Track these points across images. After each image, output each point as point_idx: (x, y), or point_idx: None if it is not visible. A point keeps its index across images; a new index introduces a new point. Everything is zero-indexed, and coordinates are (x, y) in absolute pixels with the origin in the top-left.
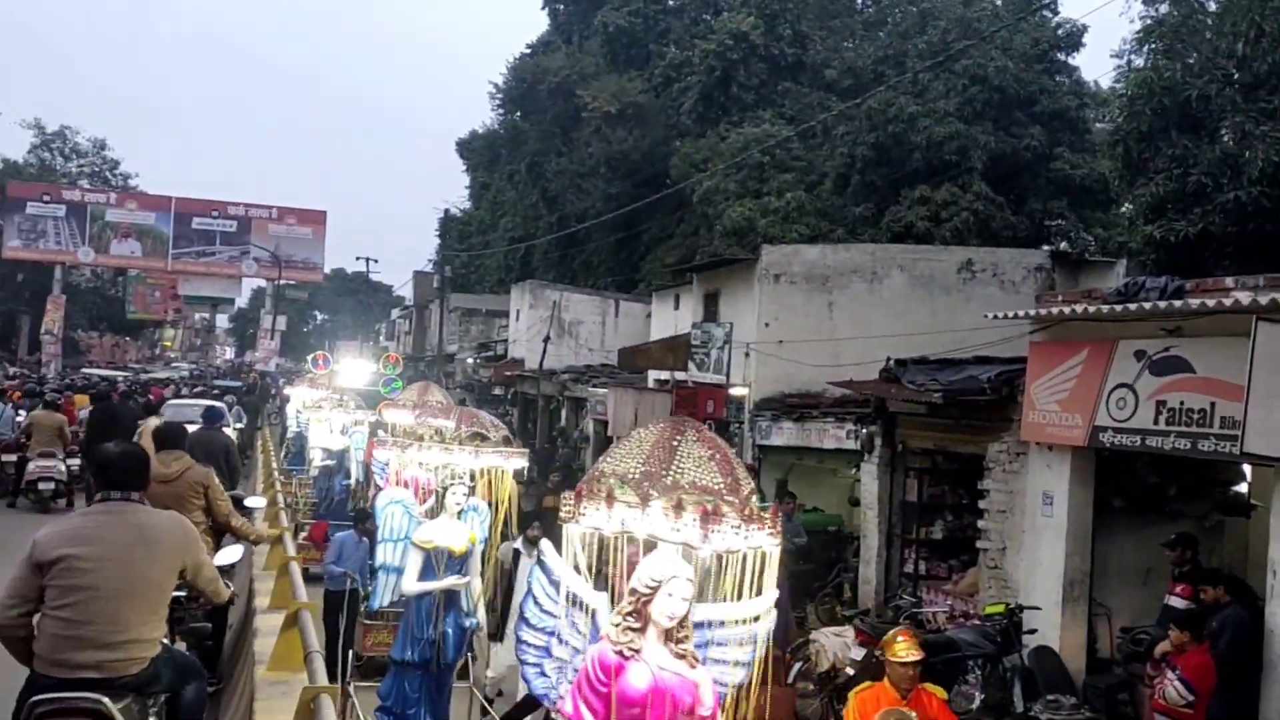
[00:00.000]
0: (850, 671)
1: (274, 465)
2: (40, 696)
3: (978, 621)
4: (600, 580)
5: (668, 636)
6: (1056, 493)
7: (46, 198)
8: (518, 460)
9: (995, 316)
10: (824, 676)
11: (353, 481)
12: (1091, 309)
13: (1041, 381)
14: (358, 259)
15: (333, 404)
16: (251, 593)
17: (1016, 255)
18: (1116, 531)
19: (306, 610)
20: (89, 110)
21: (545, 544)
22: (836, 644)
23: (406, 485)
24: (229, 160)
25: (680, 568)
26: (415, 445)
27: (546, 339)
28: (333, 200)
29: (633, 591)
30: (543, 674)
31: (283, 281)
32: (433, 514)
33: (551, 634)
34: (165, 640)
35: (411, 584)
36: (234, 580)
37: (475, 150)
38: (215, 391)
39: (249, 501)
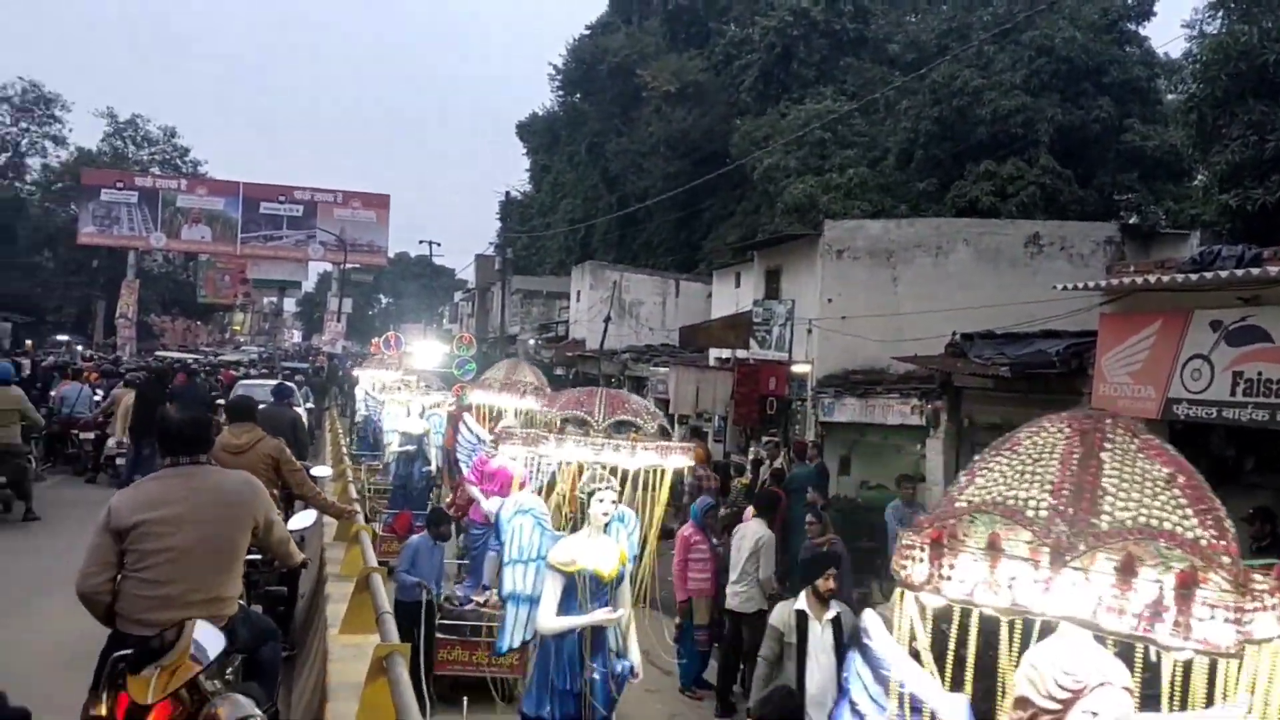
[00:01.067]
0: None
1: (342, 443)
2: (123, 653)
3: None
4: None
5: None
6: None
7: (120, 185)
8: (679, 458)
9: (1065, 288)
10: None
11: (433, 468)
12: (1165, 279)
13: (1113, 354)
14: (421, 242)
15: (410, 386)
16: (322, 561)
17: (1085, 228)
18: None
19: (377, 574)
20: (158, 98)
21: (870, 618)
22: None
23: (501, 483)
24: (293, 146)
25: (1113, 669)
26: (551, 439)
27: (607, 319)
28: (395, 185)
29: (1025, 703)
30: None
31: (348, 265)
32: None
33: None
34: (242, 601)
35: (550, 619)
36: (305, 549)
37: (535, 133)
38: (284, 373)
39: (315, 470)
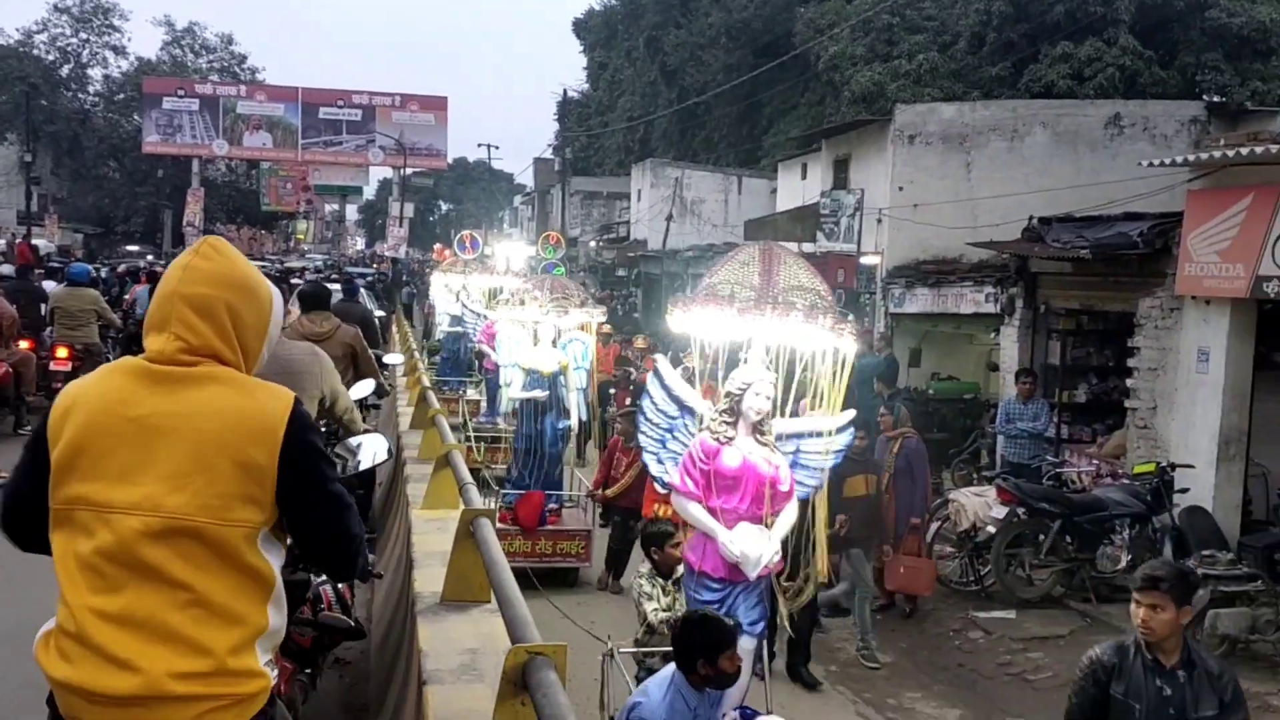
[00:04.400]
0: (991, 530)
1: (410, 336)
2: None
3: (1126, 481)
4: None
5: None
6: (1213, 348)
7: (181, 92)
8: None
9: (1152, 164)
10: (963, 536)
11: (574, 424)
12: (1259, 150)
13: (1200, 232)
14: (479, 146)
15: (539, 300)
16: (399, 448)
17: (1169, 108)
18: (1277, 388)
19: (456, 451)
20: (213, 5)
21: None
22: (977, 504)
23: (750, 495)
24: (345, 51)
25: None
26: None
27: (669, 218)
28: (452, 88)
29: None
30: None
31: (409, 170)
32: None
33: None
34: None
35: None
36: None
37: (592, 29)
38: (349, 278)
39: (388, 358)
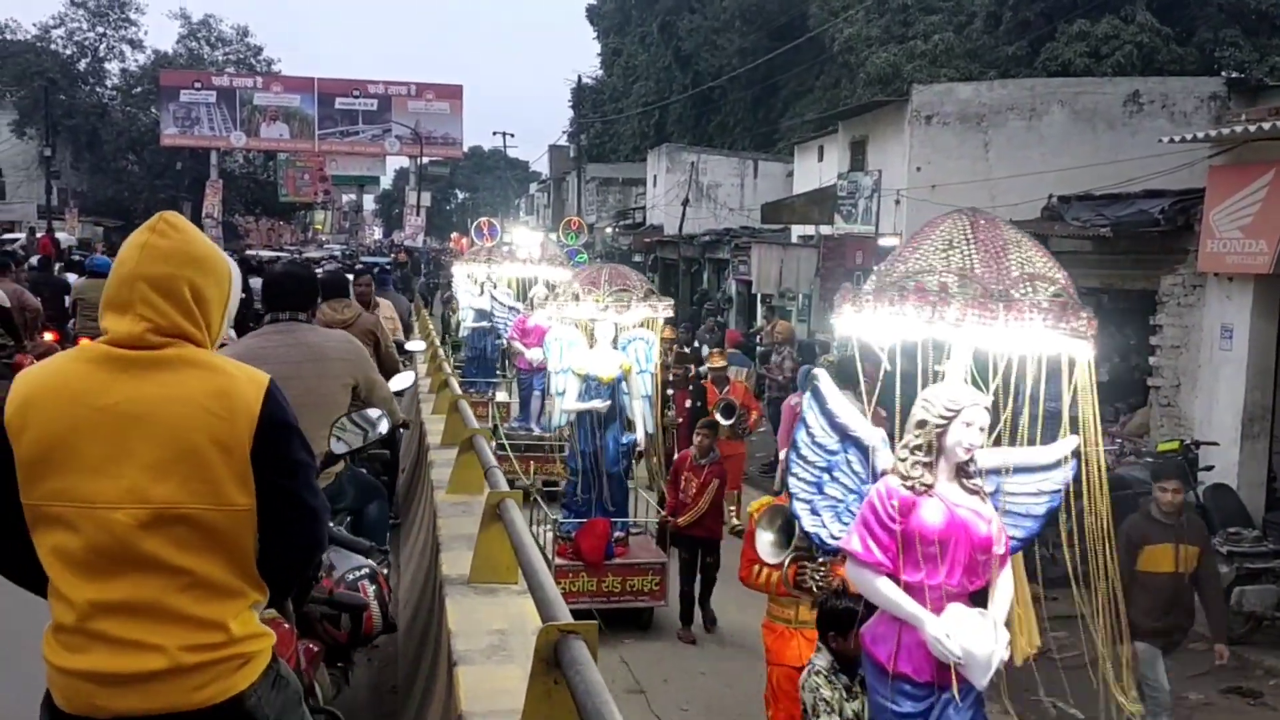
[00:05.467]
0: None
1: (430, 324)
2: None
3: (1150, 459)
4: None
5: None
6: (1236, 325)
7: (198, 85)
8: None
9: (1172, 141)
10: None
11: (640, 438)
12: None
13: (1222, 208)
14: (494, 134)
15: (599, 296)
16: (422, 434)
17: (1188, 84)
18: None
19: (479, 435)
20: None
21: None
22: None
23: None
24: (361, 39)
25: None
26: None
27: (685, 202)
28: (466, 76)
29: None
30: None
31: (425, 159)
32: None
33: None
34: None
35: None
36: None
37: (606, 15)
38: (384, 269)
39: (409, 345)
